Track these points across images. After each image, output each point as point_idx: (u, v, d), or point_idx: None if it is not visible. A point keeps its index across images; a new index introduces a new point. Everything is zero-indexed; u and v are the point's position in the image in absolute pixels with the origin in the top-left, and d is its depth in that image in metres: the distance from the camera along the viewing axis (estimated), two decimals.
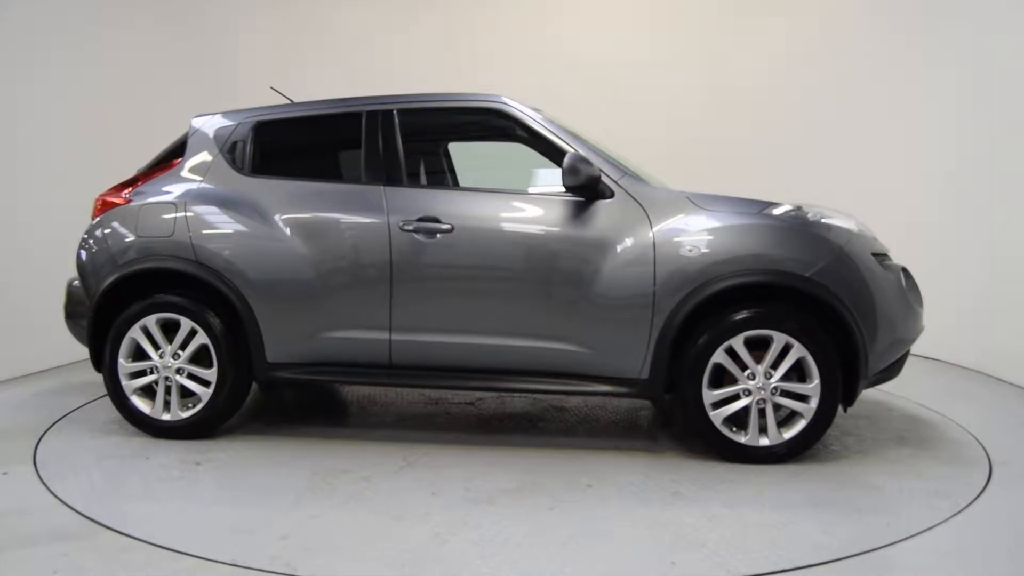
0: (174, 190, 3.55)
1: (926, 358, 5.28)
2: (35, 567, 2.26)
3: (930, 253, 5.24)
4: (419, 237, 3.32)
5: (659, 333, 3.21)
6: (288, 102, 3.75)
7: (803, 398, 3.20)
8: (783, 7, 6.34)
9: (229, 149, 3.60)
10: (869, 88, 6.06)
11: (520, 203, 3.38)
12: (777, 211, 3.32)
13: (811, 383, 3.18)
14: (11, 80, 4.65)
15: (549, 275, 3.28)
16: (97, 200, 3.63)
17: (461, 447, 3.42)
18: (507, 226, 3.34)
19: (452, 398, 4.24)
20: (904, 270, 3.43)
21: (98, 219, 3.58)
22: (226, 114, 3.69)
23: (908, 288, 3.38)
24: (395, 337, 3.37)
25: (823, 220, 3.30)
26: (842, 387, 3.22)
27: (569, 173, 3.16)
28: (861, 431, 3.73)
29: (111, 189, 3.66)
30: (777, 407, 3.23)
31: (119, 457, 3.27)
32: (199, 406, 3.47)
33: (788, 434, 3.22)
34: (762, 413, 3.21)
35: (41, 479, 2.99)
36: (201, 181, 3.55)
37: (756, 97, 6.41)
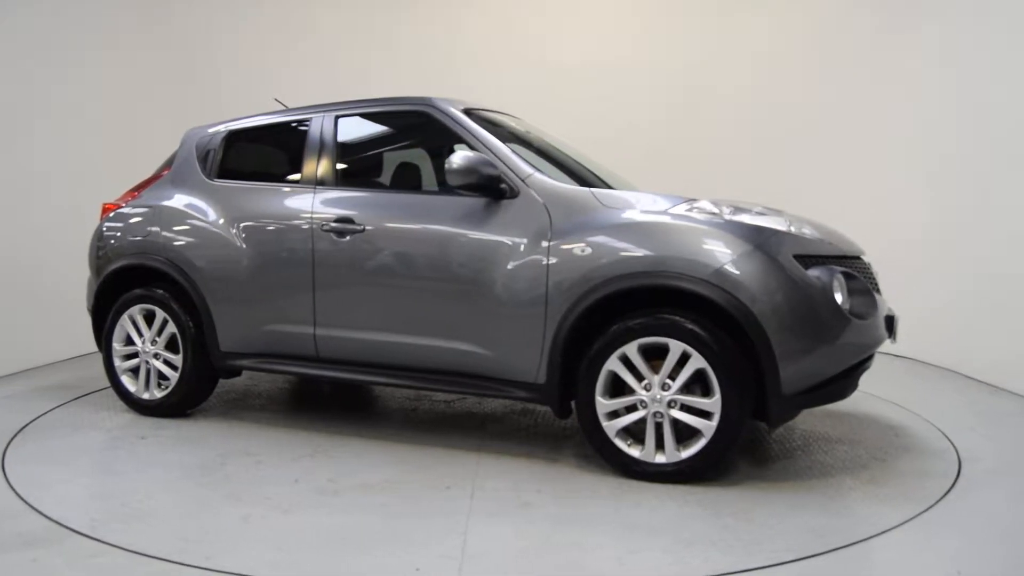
0: (159, 195, 4.00)
1: (897, 356, 5.47)
2: (4, 573, 2.26)
3: (905, 253, 5.38)
4: (335, 237, 3.47)
5: (552, 337, 3.08)
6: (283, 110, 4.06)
7: (707, 414, 2.90)
8: (765, 7, 6.42)
9: (203, 158, 3.98)
10: (850, 89, 6.06)
11: (432, 204, 3.40)
12: (685, 209, 3.04)
13: (712, 397, 2.88)
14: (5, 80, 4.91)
15: (450, 275, 3.27)
16: (104, 205, 4.18)
17: (384, 442, 3.49)
18: (414, 227, 3.38)
19: (433, 396, 4.33)
20: (848, 275, 2.98)
21: (102, 221, 4.13)
22: (208, 126, 4.08)
23: (850, 296, 2.94)
24: (319, 332, 3.55)
25: (735, 218, 2.97)
26: (756, 404, 2.90)
27: (451, 173, 3.13)
28: (814, 434, 3.57)
29: (123, 195, 4.19)
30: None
31: (89, 457, 3.35)
32: (169, 388, 3.88)
33: (686, 452, 2.94)
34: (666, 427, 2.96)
35: (10, 484, 2.96)
36: (179, 187, 3.97)
37: (738, 98, 6.45)
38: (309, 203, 3.58)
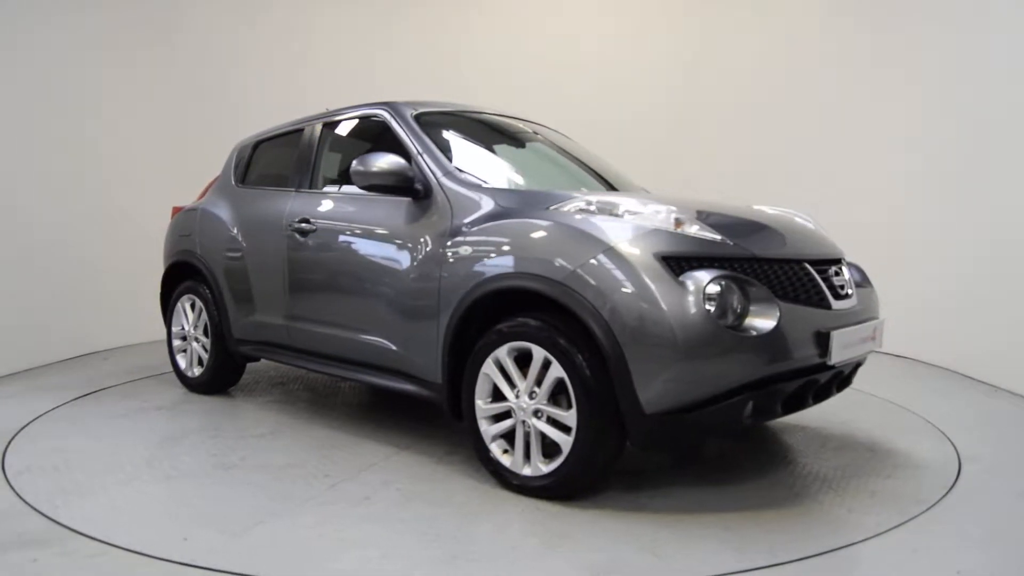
0: (207, 199, 4.59)
1: (896, 356, 5.53)
2: (4, 573, 2.23)
3: (905, 252, 5.50)
4: (297, 236, 3.75)
5: (443, 337, 3.07)
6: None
7: (568, 428, 2.70)
8: (765, 6, 6.65)
9: (236, 165, 4.50)
10: (837, 88, 6.14)
11: (366, 204, 3.51)
12: (569, 207, 2.84)
13: (570, 410, 2.67)
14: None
15: (372, 272, 3.39)
16: (173, 208, 4.88)
17: (341, 431, 3.66)
18: (349, 226, 3.53)
19: None
20: (742, 282, 2.56)
21: (171, 221, 4.83)
22: (249, 137, 4.59)
23: (744, 306, 2.53)
24: (289, 324, 3.85)
25: (606, 215, 2.72)
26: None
27: (353, 174, 3.23)
28: (807, 435, 3.58)
29: (197, 198, 4.86)
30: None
31: (90, 460, 3.23)
32: (203, 368, 4.45)
33: (547, 467, 2.75)
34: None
35: (9, 484, 2.95)
36: (219, 192, 4.52)
37: (738, 97, 6.71)
38: (288, 205, 3.90)
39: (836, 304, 2.85)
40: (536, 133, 4.20)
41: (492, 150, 3.83)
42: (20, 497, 2.80)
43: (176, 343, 4.64)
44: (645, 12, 7.10)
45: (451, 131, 3.68)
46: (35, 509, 2.67)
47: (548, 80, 6.90)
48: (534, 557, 2.31)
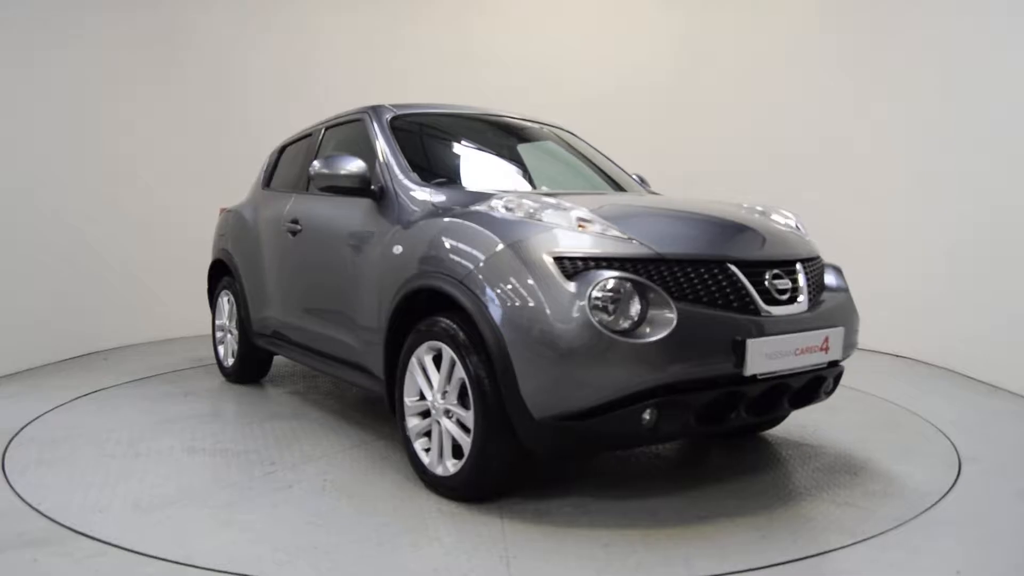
0: (240, 203, 4.91)
1: (896, 356, 5.48)
2: (4, 573, 2.22)
3: (904, 252, 5.48)
4: (289, 236, 3.93)
5: (383, 334, 3.12)
6: None
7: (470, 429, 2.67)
8: (765, 5, 6.71)
9: (265, 169, 4.78)
10: (836, 88, 6.13)
11: (339, 206, 3.61)
12: (482, 205, 2.81)
13: (470, 411, 2.64)
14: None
15: (340, 271, 3.50)
16: (220, 208, 5.25)
17: (328, 428, 3.77)
18: (326, 226, 3.66)
19: None
20: (633, 283, 2.40)
21: (218, 221, 5.20)
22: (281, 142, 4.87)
23: (627, 311, 2.38)
24: (284, 319, 4.06)
25: (512, 214, 2.67)
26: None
27: (314, 178, 3.33)
28: (800, 436, 3.58)
29: None
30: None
31: (89, 460, 3.20)
32: (234, 359, 4.77)
33: (454, 468, 2.73)
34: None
35: (9, 484, 2.94)
36: (251, 194, 4.83)
37: (738, 96, 6.76)
38: (288, 207, 4.10)
39: (770, 309, 2.61)
40: (541, 130, 4.15)
41: (478, 151, 3.82)
42: (20, 497, 2.81)
43: (218, 335, 5.01)
44: (645, 12, 7.23)
45: (429, 133, 3.72)
46: (35, 509, 2.69)
47: (548, 80, 7.00)
48: (387, 555, 2.30)
